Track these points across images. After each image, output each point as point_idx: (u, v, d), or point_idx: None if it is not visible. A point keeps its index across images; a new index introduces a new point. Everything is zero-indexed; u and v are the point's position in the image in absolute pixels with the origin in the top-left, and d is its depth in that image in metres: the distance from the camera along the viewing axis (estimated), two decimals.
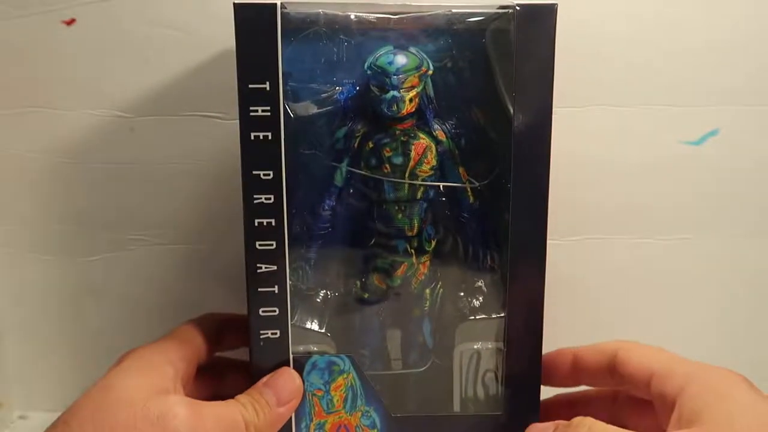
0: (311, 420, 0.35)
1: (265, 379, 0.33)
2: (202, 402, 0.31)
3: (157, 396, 0.29)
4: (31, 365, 0.46)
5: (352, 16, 0.32)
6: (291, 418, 0.34)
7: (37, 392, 0.47)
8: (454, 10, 0.33)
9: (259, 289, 0.33)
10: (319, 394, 0.34)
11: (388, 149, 0.34)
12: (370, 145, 0.34)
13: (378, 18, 0.33)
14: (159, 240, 0.44)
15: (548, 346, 0.35)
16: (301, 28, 0.32)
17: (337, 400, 0.34)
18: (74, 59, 0.41)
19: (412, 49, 0.33)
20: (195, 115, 0.41)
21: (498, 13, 0.32)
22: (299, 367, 0.34)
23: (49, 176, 0.43)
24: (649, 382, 0.31)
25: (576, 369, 0.35)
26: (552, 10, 0.31)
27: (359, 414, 0.35)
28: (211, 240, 0.43)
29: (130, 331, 0.43)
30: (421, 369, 0.36)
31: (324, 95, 0.34)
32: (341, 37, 0.33)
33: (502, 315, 0.34)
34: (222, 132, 0.41)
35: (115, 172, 0.42)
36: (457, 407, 0.36)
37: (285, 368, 0.34)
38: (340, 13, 0.32)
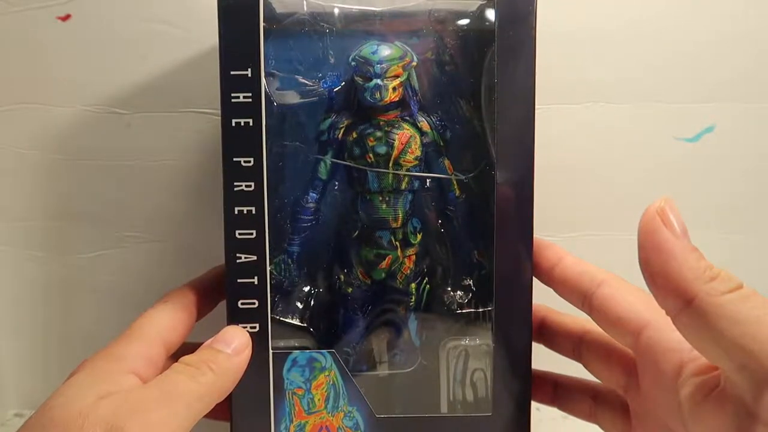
0: (291, 421, 0.33)
1: (209, 341, 0.31)
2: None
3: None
4: (26, 362, 0.45)
5: (336, 10, 0.33)
6: (270, 418, 0.33)
7: (31, 390, 0.46)
8: (437, 5, 0.33)
9: (239, 280, 0.32)
10: (300, 392, 0.33)
11: (371, 139, 0.33)
12: (354, 135, 0.33)
13: (362, 12, 0.33)
14: (154, 237, 0.43)
15: None
16: (285, 16, 0.33)
17: (319, 400, 0.33)
18: (69, 55, 0.41)
19: (397, 42, 0.33)
20: (191, 111, 0.41)
21: (481, 7, 0.32)
22: (279, 364, 0.32)
23: (43, 173, 0.42)
24: (641, 331, 0.28)
25: (555, 272, 0.32)
26: (530, 2, 0.31)
27: (341, 414, 0.33)
28: (206, 237, 0.42)
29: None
30: (408, 370, 0.35)
31: (309, 86, 0.34)
32: (324, 25, 0.33)
33: (490, 309, 0.33)
34: (218, 128, 0.41)
35: (109, 168, 0.42)
36: (444, 408, 0.34)
37: (229, 326, 0.32)
38: (324, 5, 0.33)
